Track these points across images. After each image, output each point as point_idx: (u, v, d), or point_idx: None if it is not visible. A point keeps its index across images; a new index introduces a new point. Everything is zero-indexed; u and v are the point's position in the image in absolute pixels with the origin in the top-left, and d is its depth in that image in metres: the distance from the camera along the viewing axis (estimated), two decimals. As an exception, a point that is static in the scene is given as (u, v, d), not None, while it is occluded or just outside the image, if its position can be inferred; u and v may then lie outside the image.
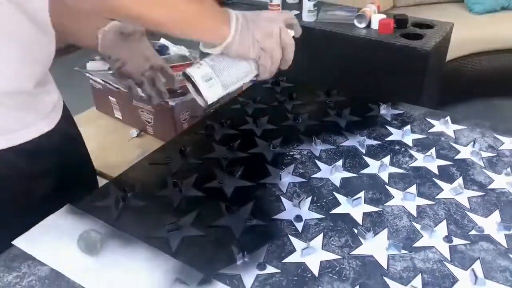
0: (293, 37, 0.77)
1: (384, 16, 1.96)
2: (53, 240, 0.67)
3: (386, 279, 0.61)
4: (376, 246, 0.66)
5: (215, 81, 0.72)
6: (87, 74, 1.25)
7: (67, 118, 0.81)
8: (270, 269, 0.63)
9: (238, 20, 0.70)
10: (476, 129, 0.94)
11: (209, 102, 0.74)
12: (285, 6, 2.23)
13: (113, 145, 1.19)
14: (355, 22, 1.97)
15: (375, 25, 1.94)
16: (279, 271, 0.63)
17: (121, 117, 1.25)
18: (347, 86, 1.14)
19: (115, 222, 0.71)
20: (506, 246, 0.66)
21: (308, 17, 2.05)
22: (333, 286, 0.60)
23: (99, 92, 1.27)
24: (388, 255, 0.65)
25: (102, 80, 1.22)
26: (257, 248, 0.66)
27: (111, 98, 1.24)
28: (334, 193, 0.77)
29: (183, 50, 1.35)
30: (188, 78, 0.74)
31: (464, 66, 2.42)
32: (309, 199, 0.76)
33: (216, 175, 0.81)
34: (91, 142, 1.07)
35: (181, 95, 1.10)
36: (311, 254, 0.65)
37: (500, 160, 0.85)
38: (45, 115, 0.74)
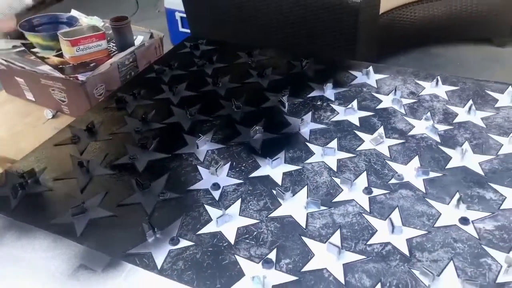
0: None
1: (312, -29, 1.91)
2: None
3: (304, 238, 0.59)
4: (295, 206, 0.64)
5: None
6: (-13, 54, 1.14)
7: None
8: (183, 243, 0.59)
9: None
10: (398, 77, 0.93)
11: None
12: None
13: (27, 129, 1.10)
14: (284, -20, 1.91)
15: (304, -18, 1.89)
16: (193, 243, 0.59)
17: (33, 99, 1.15)
18: (279, 48, 1.09)
19: (12, 212, 0.64)
20: (424, 191, 0.66)
21: (235, -22, 1.97)
22: (249, 252, 0.57)
23: (4, 74, 1.16)
24: (307, 213, 0.63)
25: (5, 60, 1.11)
26: (171, 222, 0.62)
27: (18, 79, 1.13)
28: (254, 156, 0.73)
29: (95, 21, 1.25)
30: None
31: (399, 17, 2.43)
32: (228, 165, 0.72)
33: (127, 150, 0.76)
34: (1, 130, 0.98)
35: (92, 69, 1.02)
36: (228, 222, 0.62)
37: (421, 106, 0.84)
38: None
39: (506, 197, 0.64)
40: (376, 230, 0.60)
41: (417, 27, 2.49)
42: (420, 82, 0.91)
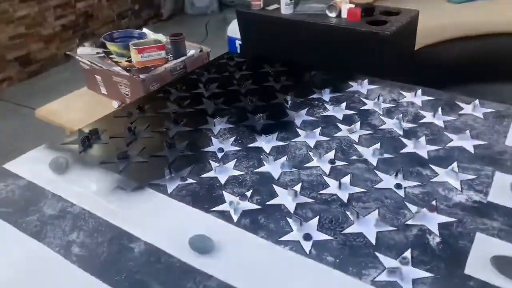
0: None
1: (352, 5, 2.14)
2: (33, 164, 0.89)
3: (274, 186, 0.81)
4: (274, 166, 0.86)
5: None
6: (77, 57, 1.48)
7: None
8: (189, 181, 0.83)
9: None
10: (386, 88, 1.13)
11: None
12: (267, 1, 2.43)
13: (99, 114, 1.41)
14: (327, 12, 2.16)
15: (345, 14, 2.13)
16: (195, 182, 0.83)
17: (106, 92, 1.47)
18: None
19: (79, 154, 0.93)
20: (375, 165, 0.85)
21: (285, 9, 2.25)
22: (233, 190, 0.81)
23: (88, 73, 1.50)
24: (281, 171, 0.85)
25: (89, 62, 1.45)
26: (183, 168, 0.87)
27: (97, 76, 1.46)
28: (254, 134, 0.97)
29: (159, 37, 1.58)
30: None
31: (437, 53, 2.58)
32: (233, 138, 0.96)
33: (164, 123, 1.03)
34: (81, 113, 1.30)
35: (145, 70, 1.33)
36: (223, 172, 0.85)
37: (397, 109, 1.04)
38: None
39: (438, 174, 0.82)
40: (329, 186, 0.81)
41: (455, 64, 2.61)
42: (404, 93, 1.10)
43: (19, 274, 0.66)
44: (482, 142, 0.90)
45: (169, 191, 0.81)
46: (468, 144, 0.90)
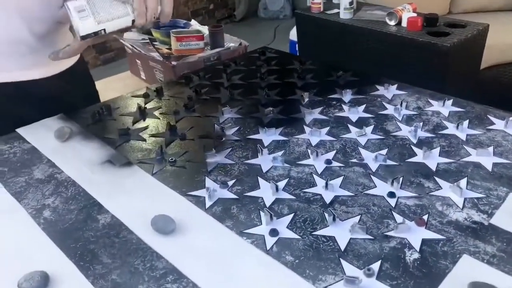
0: None
1: (414, 14, 2.02)
2: (43, 132, 0.93)
3: (259, 178, 0.78)
4: (266, 159, 0.83)
5: (88, 14, 0.78)
6: (121, 40, 1.55)
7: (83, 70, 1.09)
8: (178, 164, 0.82)
9: None
10: (414, 94, 1.04)
11: (81, 34, 0.79)
12: (328, 5, 2.38)
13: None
14: (386, 19, 2.07)
15: (405, 23, 2.01)
16: (183, 165, 0.82)
17: (144, 77, 1.52)
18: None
19: (87, 127, 0.95)
20: (373, 171, 0.78)
21: (344, 14, 2.19)
22: (217, 178, 0.78)
23: (130, 57, 1.55)
24: (272, 165, 0.81)
25: (132, 46, 1.50)
26: (178, 152, 0.86)
27: (137, 61, 1.51)
28: (258, 127, 0.94)
29: (203, 29, 1.60)
30: (66, 9, 0.81)
31: (507, 74, 2.36)
32: (236, 128, 0.94)
33: (176, 107, 1.03)
34: (117, 94, 1.35)
35: (181, 58, 1.34)
36: (212, 159, 0.83)
37: (419, 117, 0.95)
38: (41, 63, 0.99)
39: (441, 188, 0.73)
40: (316, 185, 0.75)
41: None
42: (432, 101, 1.01)
43: (-9, 227, 0.69)
44: (505, 161, 0.80)
45: (154, 171, 0.80)
46: (487, 161, 0.80)
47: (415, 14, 2.03)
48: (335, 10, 2.30)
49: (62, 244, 0.64)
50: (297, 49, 2.82)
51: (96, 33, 0.80)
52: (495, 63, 2.29)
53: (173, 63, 1.32)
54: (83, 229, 0.67)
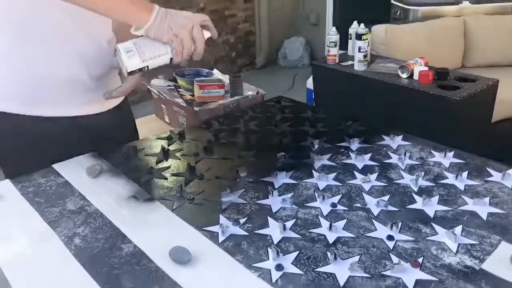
0: (211, 39, 0.98)
1: (426, 68, 2.12)
2: (75, 168, 1.03)
3: (269, 218, 0.85)
4: (276, 201, 0.90)
5: (135, 53, 0.92)
6: (148, 86, 1.67)
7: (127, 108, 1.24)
8: (196, 202, 0.90)
9: (159, 11, 0.91)
10: (418, 145, 1.12)
11: (128, 70, 0.93)
12: (344, 56, 2.50)
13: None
14: (399, 72, 2.17)
15: (416, 76, 2.11)
16: (200, 203, 0.90)
17: (168, 121, 1.63)
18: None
19: (118, 165, 1.05)
20: (375, 215, 0.85)
21: (358, 66, 2.30)
22: (230, 215, 0.85)
23: (156, 102, 1.67)
24: (281, 206, 0.88)
25: (158, 92, 1.63)
26: (196, 190, 0.94)
27: (162, 105, 1.63)
28: (270, 170, 1.02)
29: (224, 78, 1.72)
30: (116, 51, 0.94)
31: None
32: (246, 169, 1.02)
33: (196, 149, 1.12)
34: (142, 135, 1.45)
35: (202, 104, 1.45)
36: (227, 198, 0.91)
37: (421, 167, 1.02)
38: (95, 101, 1.12)
39: (437, 234, 0.79)
40: (321, 226, 0.82)
41: None
42: (434, 152, 1.08)
43: (24, 249, 0.77)
44: (500, 211, 0.85)
45: (174, 207, 0.89)
46: (483, 210, 0.85)
47: (426, 68, 2.13)
48: (350, 62, 2.42)
49: (90, 268, 0.72)
50: (313, 97, 2.94)
51: (140, 69, 0.94)
52: (506, 116, 2.35)
53: (196, 109, 1.42)
54: (108, 256, 0.75)
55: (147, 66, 0.94)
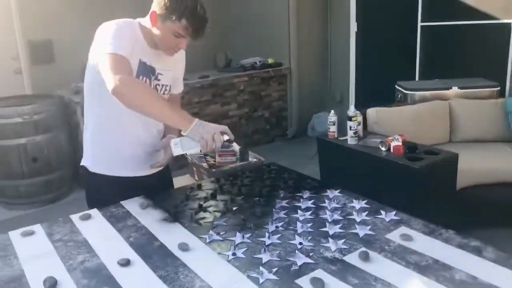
0: (233, 141, 1.66)
1: (400, 143, 2.70)
2: (133, 204, 1.72)
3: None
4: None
5: (178, 146, 1.57)
6: (183, 152, 2.39)
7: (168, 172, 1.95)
8: (204, 224, 1.56)
9: (197, 122, 1.51)
10: (345, 196, 1.72)
11: (174, 155, 1.60)
12: (343, 132, 3.13)
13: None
14: (380, 146, 2.76)
15: (392, 149, 2.69)
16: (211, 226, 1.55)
17: (197, 178, 2.32)
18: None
19: (156, 202, 1.73)
20: (298, 232, 1.46)
21: (350, 140, 2.92)
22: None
23: (189, 165, 2.39)
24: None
25: (191, 158, 2.34)
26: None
27: (194, 168, 2.33)
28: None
29: (237, 148, 2.41)
30: (170, 143, 1.69)
31: (481, 194, 2.85)
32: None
33: (202, 204, 1.79)
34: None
35: (219, 167, 2.14)
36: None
37: (340, 208, 1.61)
38: (146, 168, 1.84)
39: (329, 242, 1.38)
40: (265, 237, 1.44)
41: (501, 207, 2.82)
42: (354, 200, 1.67)
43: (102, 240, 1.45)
44: (372, 233, 1.43)
45: (192, 223, 1.54)
46: (362, 232, 1.44)
47: (400, 143, 2.71)
48: (346, 137, 3.05)
49: (140, 251, 1.38)
50: (319, 165, 3.55)
51: (182, 155, 1.65)
52: (471, 184, 2.83)
53: (213, 170, 2.11)
54: (146, 246, 1.41)
55: (186, 153, 1.66)
